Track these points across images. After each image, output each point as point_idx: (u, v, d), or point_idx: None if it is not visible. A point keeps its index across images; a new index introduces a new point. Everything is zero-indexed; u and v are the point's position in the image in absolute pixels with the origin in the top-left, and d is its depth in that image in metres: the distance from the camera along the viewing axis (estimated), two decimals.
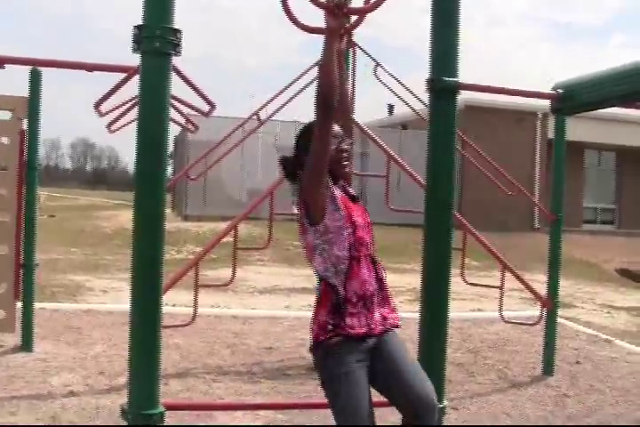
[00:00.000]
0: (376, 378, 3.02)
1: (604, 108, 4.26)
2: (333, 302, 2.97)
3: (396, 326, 3.12)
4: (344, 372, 2.91)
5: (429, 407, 3.02)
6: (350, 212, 3.08)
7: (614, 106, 4.14)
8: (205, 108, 7.20)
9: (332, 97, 2.98)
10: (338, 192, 3.09)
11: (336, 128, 3.15)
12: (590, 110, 4.45)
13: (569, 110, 4.67)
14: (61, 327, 8.10)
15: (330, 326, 2.96)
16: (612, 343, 8.65)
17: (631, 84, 3.62)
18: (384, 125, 28.75)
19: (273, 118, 9.52)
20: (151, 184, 3.17)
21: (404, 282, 13.15)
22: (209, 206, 23.24)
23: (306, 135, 3.13)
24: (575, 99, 4.00)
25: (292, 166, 3.21)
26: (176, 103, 7.31)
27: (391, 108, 32.94)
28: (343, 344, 2.94)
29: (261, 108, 9.03)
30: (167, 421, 4.91)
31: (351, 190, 3.28)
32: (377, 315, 3.02)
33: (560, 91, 4.03)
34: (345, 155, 3.17)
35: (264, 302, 10.99)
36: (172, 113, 7.74)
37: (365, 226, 3.13)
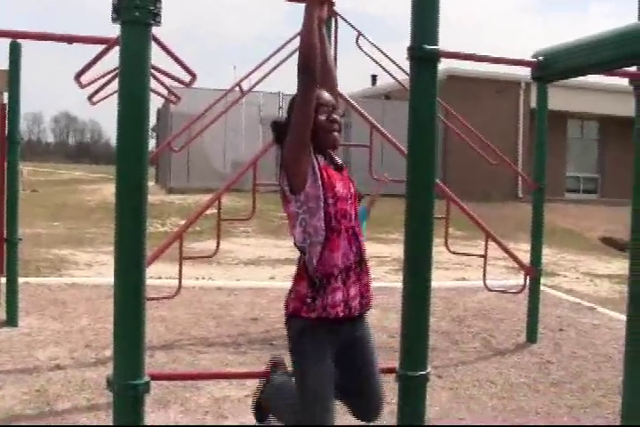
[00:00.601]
0: (339, 363, 3.05)
1: (582, 75, 4.26)
2: (313, 274, 2.97)
3: (369, 308, 3.15)
4: (318, 352, 2.94)
5: (378, 412, 3.24)
6: (333, 182, 3.04)
7: (593, 73, 4.13)
8: (186, 78, 7.13)
9: (314, 63, 2.95)
10: (321, 161, 3.05)
11: (328, 97, 3.13)
12: (570, 77, 4.45)
13: (549, 78, 4.67)
14: (46, 301, 8.09)
15: (309, 300, 2.97)
16: (594, 311, 8.75)
17: (609, 52, 3.62)
18: (367, 96, 28.63)
19: (256, 90, 9.45)
20: (133, 156, 3.13)
21: (388, 252, 13.21)
22: (193, 179, 23.17)
23: None
24: (555, 66, 3.99)
25: (283, 131, 3.13)
26: (157, 74, 7.23)
27: (374, 78, 32.80)
28: (322, 324, 2.96)
29: (243, 79, 8.96)
30: (154, 392, 4.94)
31: (338, 160, 3.25)
32: (354, 291, 3.04)
33: (540, 58, 4.02)
34: (336, 125, 3.13)
35: (249, 273, 11.01)
36: (154, 84, 7.68)
37: (349, 197, 3.08)
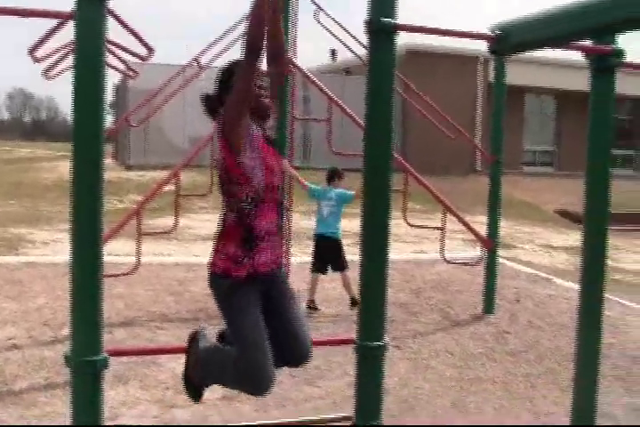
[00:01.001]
0: (266, 313, 3.17)
1: (539, 49, 4.27)
2: (243, 237, 3.12)
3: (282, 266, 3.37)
4: (249, 305, 3.10)
5: (306, 355, 3.32)
6: (265, 155, 3.18)
7: (549, 47, 4.14)
8: (144, 53, 7.03)
9: (260, 39, 3.01)
10: (256, 133, 3.18)
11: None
12: (526, 52, 4.46)
13: (505, 52, 4.67)
14: (2, 281, 7.99)
15: (239, 259, 3.11)
16: (551, 282, 8.90)
17: (564, 26, 3.63)
18: (327, 71, 28.49)
19: (214, 65, 9.37)
20: (89, 132, 3.10)
21: (349, 227, 13.23)
22: (151, 155, 22.89)
23: (228, 74, 3.25)
24: (511, 40, 3.99)
25: (212, 103, 3.38)
26: (113, 48, 7.11)
27: (334, 53, 32.62)
28: (249, 280, 3.11)
29: (201, 54, 8.89)
30: (114, 369, 4.92)
31: (270, 133, 3.34)
32: (275, 252, 3.23)
33: (497, 32, 4.02)
34: (263, 91, 3.22)
35: (208, 249, 10.89)
36: (111, 59, 7.55)
37: (277, 171, 3.22)
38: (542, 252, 11.80)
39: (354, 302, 6.79)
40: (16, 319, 6.46)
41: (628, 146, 29.00)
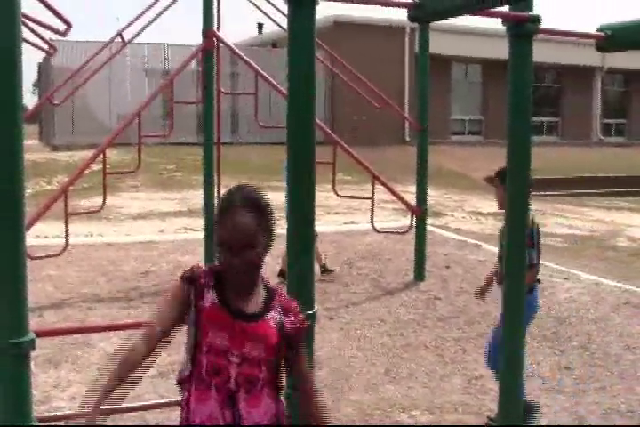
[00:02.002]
0: None
1: (456, 15, 4.32)
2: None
3: None
4: None
5: None
6: (211, 328, 2.25)
7: (464, 14, 4.19)
8: (62, 28, 6.87)
9: None
10: (210, 299, 2.25)
11: (226, 235, 2.23)
12: (444, 18, 4.52)
13: (424, 19, 4.74)
14: None
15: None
16: (480, 248, 9.07)
17: None
18: (254, 44, 28.24)
19: (140, 41, 9.21)
20: (6, 113, 3.02)
21: (280, 201, 13.23)
22: (78, 135, 22.41)
23: None
24: (429, 7, 4.04)
25: None
26: (30, 24, 6.92)
27: (260, 26, 32.32)
28: None
29: (124, 29, 8.71)
30: (44, 352, 4.86)
31: (250, 306, 2.28)
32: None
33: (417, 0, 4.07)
34: (234, 268, 2.24)
35: (138, 227, 10.83)
36: (29, 35, 7.34)
37: (236, 355, 2.24)
38: (471, 219, 12.01)
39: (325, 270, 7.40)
40: None
41: (553, 114, 29.64)
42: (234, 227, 2.22)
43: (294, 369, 2.39)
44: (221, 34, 7.42)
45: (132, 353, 2.25)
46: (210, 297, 2.27)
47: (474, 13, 4.14)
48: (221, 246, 2.22)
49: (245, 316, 2.25)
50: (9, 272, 3.13)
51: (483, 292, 4.67)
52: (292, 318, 2.30)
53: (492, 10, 4.18)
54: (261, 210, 2.29)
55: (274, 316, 2.28)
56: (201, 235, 7.77)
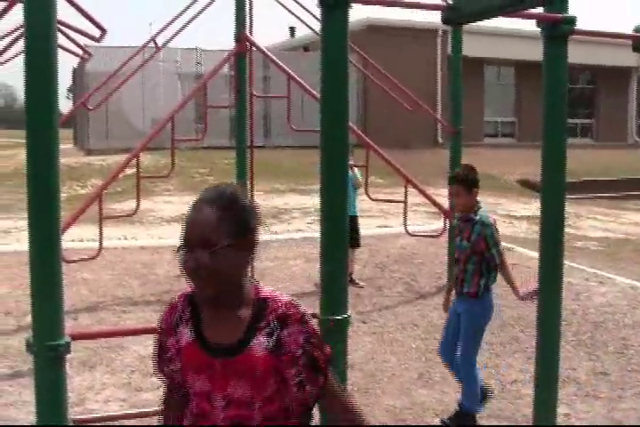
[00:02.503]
0: None
1: (491, 17, 4.28)
2: None
3: None
4: None
5: None
6: (189, 370, 1.93)
7: (500, 15, 4.15)
8: (97, 34, 6.93)
9: None
10: (185, 338, 1.94)
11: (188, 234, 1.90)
12: (478, 20, 4.48)
13: (458, 20, 4.69)
14: None
15: None
16: (513, 251, 8.97)
17: None
18: (286, 48, 28.32)
19: (173, 46, 9.27)
20: (42, 118, 3.04)
21: (311, 203, 13.24)
22: (112, 139, 22.63)
23: None
24: (463, 9, 4.00)
25: None
26: (66, 30, 7.01)
27: (292, 30, 32.41)
28: None
29: (158, 34, 8.77)
30: (80, 355, 4.90)
31: (229, 335, 1.89)
32: None
33: (449, 1, 4.03)
34: (189, 271, 1.88)
35: (172, 231, 10.88)
36: (64, 41, 7.43)
37: (224, 398, 1.88)
38: (504, 222, 11.91)
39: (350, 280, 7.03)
40: None
41: (587, 115, 29.33)
42: (190, 222, 1.87)
43: (325, 400, 1.90)
44: (253, 38, 7.44)
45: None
46: (185, 334, 1.92)
47: (509, 15, 4.10)
48: (179, 249, 1.86)
49: (223, 350, 1.85)
50: (45, 275, 3.16)
51: (445, 303, 4.67)
52: (294, 328, 1.83)
53: (526, 11, 4.14)
54: (227, 205, 1.87)
55: (260, 341, 1.83)
56: None
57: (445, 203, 7.44)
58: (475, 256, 4.34)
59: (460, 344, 4.41)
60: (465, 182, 4.37)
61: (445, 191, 8.53)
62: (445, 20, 4.64)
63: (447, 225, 7.18)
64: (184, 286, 6.28)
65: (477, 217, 4.34)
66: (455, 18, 4.59)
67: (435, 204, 7.14)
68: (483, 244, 4.30)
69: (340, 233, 3.47)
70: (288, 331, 1.83)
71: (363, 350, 5.23)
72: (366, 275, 7.55)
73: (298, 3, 8.36)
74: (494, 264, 4.33)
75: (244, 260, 1.88)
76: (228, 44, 8.77)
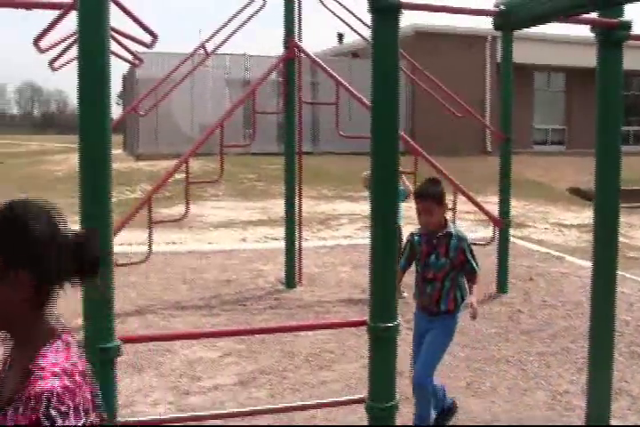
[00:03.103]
0: None
1: (544, 23, 4.22)
2: None
3: None
4: None
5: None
6: None
7: (554, 21, 4.09)
8: (148, 40, 7.00)
9: None
10: None
11: None
12: (532, 26, 4.41)
13: (511, 26, 4.64)
14: None
15: None
16: (563, 260, 8.85)
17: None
18: (334, 54, 28.38)
19: (221, 52, 9.32)
20: (95, 123, 3.09)
21: (359, 210, 13.21)
22: (161, 144, 22.89)
23: None
24: (515, 14, 3.95)
25: None
26: (118, 36, 7.09)
27: (340, 36, 32.47)
28: None
29: (207, 41, 8.84)
30: (128, 358, 4.94)
31: None
32: None
33: (501, 7, 3.98)
34: None
35: (220, 236, 10.98)
36: (116, 47, 7.53)
37: None
38: (554, 230, 11.74)
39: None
40: None
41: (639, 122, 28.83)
42: None
43: None
44: (302, 44, 7.47)
45: None
46: None
47: (564, 20, 4.04)
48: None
49: None
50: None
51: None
52: (21, 413, 1.41)
53: (581, 16, 4.07)
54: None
55: (9, 412, 1.44)
56: (282, 244, 7.81)
57: (493, 210, 7.36)
58: (453, 271, 4.17)
59: (427, 355, 4.17)
60: (438, 198, 4.20)
61: (493, 199, 8.47)
62: (497, 26, 4.60)
63: (496, 233, 7.11)
64: (232, 290, 6.35)
65: (452, 231, 4.22)
66: (507, 24, 4.54)
67: (483, 211, 7.07)
68: (462, 256, 4.14)
69: (389, 240, 3.45)
70: (15, 414, 1.41)
71: (410, 358, 5.18)
72: (413, 282, 7.49)
73: (347, 9, 8.35)
74: (470, 276, 4.21)
75: (9, 295, 1.52)
76: (277, 50, 8.82)
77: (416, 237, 4.35)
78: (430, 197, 4.17)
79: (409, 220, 10.53)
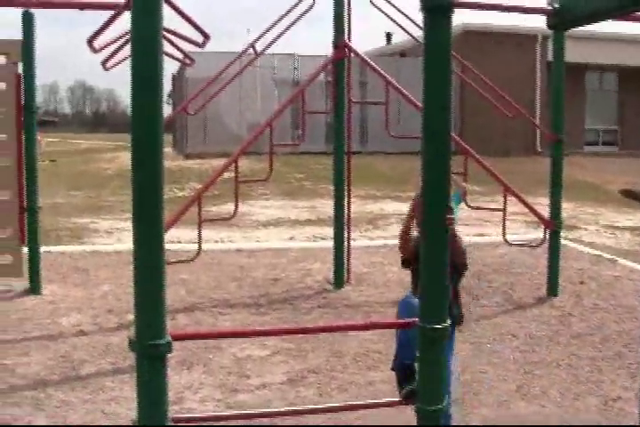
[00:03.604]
0: None
1: (599, 21, 4.14)
2: None
3: None
4: None
5: None
6: None
7: (610, 19, 4.02)
8: (200, 40, 7.07)
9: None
10: None
11: None
12: (586, 24, 4.33)
13: (565, 25, 4.57)
14: (68, 269, 8.16)
15: None
16: (615, 263, 8.70)
17: None
18: (383, 54, 28.33)
19: (270, 52, 9.36)
20: (148, 120, 3.10)
21: (392, 208, 13.21)
22: (210, 143, 23.10)
23: None
24: (570, 13, 3.88)
25: None
26: (170, 36, 7.17)
27: (389, 36, 32.40)
28: None
29: (256, 41, 8.88)
30: (178, 354, 4.99)
31: None
32: None
33: (555, 5, 3.92)
34: None
35: (268, 234, 11.04)
36: (167, 47, 7.62)
37: None
38: (606, 232, 11.55)
39: None
40: (82, 306, 6.60)
41: None
42: None
43: None
44: (351, 44, 7.46)
45: None
46: None
47: (620, 18, 3.98)
48: None
49: None
50: (149, 276, 3.22)
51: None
52: None
53: (637, 14, 4.00)
54: None
55: None
56: (330, 243, 7.81)
57: (543, 211, 7.27)
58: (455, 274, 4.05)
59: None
60: None
61: (543, 200, 8.37)
62: (552, 25, 4.54)
63: (547, 235, 7.02)
64: (280, 289, 6.40)
65: None
66: (562, 22, 4.47)
67: (534, 213, 6.99)
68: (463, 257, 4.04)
69: (440, 240, 3.43)
70: None
71: (460, 359, 5.14)
72: (463, 284, 7.41)
73: (396, 8, 8.31)
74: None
75: None
76: (322, 49, 8.83)
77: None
78: None
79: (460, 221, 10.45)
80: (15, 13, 6.75)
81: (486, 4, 4.05)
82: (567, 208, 11.77)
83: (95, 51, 6.97)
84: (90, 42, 6.76)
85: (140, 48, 3.05)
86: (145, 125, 3.11)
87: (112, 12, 6.12)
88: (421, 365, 3.36)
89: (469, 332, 5.83)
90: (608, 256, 9.09)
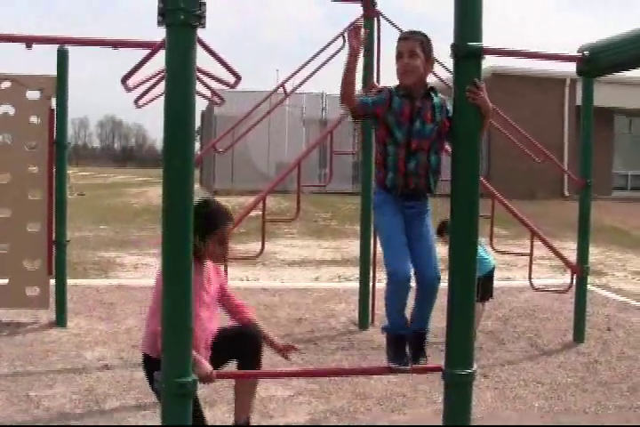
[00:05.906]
0: None
1: (629, 69, 4.19)
2: None
3: None
4: None
5: None
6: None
7: (638, 68, 4.06)
8: (231, 80, 7.19)
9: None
10: None
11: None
12: (616, 72, 4.38)
13: (594, 72, 4.62)
14: (94, 303, 8.21)
15: None
16: None
17: None
18: None
19: (299, 91, 9.47)
20: (179, 158, 3.17)
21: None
22: (237, 181, 23.30)
23: None
24: (600, 60, 3.94)
25: None
26: (202, 76, 7.31)
27: None
28: None
29: (286, 81, 9.00)
30: (201, 392, 4.98)
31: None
32: None
33: (585, 53, 3.97)
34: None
35: (294, 274, 11.05)
36: (198, 86, 7.76)
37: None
38: (634, 279, 11.43)
39: None
40: (107, 340, 6.63)
41: None
42: None
43: None
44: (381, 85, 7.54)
45: None
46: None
47: None
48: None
49: None
50: (178, 314, 3.25)
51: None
52: None
53: None
54: None
55: None
56: (355, 284, 7.80)
57: (570, 256, 7.23)
58: (438, 142, 3.70)
59: (431, 255, 3.72)
60: (424, 41, 3.77)
61: (570, 244, 8.34)
62: (580, 72, 4.60)
63: (574, 280, 6.97)
64: (304, 329, 6.38)
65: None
66: (591, 70, 4.53)
67: (561, 257, 6.95)
68: (448, 123, 3.68)
69: (468, 286, 3.44)
70: None
71: (484, 405, 5.09)
72: (489, 328, 7.39)
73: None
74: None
75: None
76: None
77: (396, 98, 3.72)
78: (415, 37, 3.76)
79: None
80: (45, 47, 6.85)
81: (516, 51, 4.10)
82: (594, 253, 11.69)
83: (129, 89, 7.11)
84: (124, 81, 6.91)
85: (173, 88, 3.13)
86: (177, 163, 3.17)
87: (145, 51, 6.28)
88: (447, 410, 3.34)
89: (494, 377, 5.78)
90: (636, 303, 8.99)
